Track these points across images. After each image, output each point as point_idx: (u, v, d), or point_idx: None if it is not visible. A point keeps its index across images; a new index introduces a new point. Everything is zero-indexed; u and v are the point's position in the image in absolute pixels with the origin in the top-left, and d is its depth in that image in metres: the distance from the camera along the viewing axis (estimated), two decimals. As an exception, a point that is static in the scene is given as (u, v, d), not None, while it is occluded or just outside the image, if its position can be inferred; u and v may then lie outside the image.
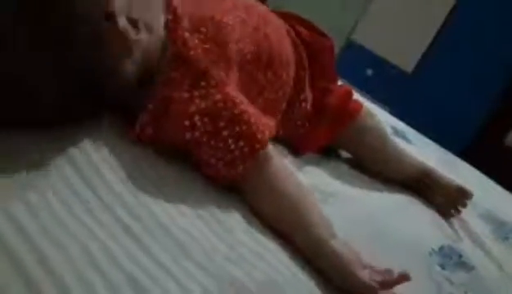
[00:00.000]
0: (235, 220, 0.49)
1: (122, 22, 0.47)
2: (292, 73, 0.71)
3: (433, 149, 1.25)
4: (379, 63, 2.73)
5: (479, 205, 0.94)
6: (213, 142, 0.51)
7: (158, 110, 0.51)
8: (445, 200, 0.84)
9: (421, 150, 1.09)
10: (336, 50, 0.82)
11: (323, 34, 0.79)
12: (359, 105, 0.80)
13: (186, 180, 0.51)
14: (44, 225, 0.36)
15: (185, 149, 0.53)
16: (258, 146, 0.51)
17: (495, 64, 2.41)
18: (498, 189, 1.18)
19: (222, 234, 0.46)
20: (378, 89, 2.62)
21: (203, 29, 0.55)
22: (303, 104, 0.74)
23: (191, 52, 0.52)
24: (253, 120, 0.52)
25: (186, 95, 0.51)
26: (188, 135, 0.50)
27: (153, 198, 0.46)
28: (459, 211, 0.85)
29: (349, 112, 0.78)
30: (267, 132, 0.53)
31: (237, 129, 0.51)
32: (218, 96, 0.51)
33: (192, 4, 0.58)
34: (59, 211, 0.38)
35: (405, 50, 2.65)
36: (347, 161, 0.84)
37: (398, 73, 2.69)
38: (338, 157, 0.84)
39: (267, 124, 0.54)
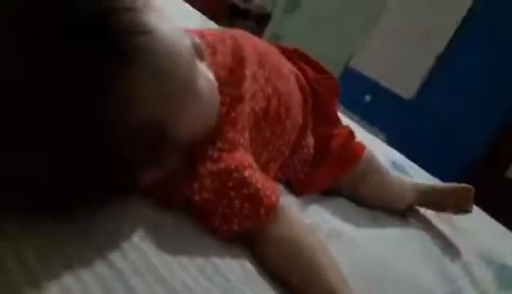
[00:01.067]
0: (233, 270, 0.47)
1: None
2: (298, 121, 0.70)
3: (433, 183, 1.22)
4: (378, 89, 2.73)
5: (481, 245, 0.92)
6: (218, 197, 0.49)
7: None
8: (451, 204, 0.89)
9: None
10: (335, 76, 0.81)
11: (328, 74, 0.79)
12: (361, 149, 0.80)
13: (184, 229, 0.49)
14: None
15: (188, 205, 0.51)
16: (262, 211, 0.50)
17: (496, 92, 2.39)
18: (500, 228, 1.16)
19: (219, 282, 0.45)
20: (376, 115, 2.61)
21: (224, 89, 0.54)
22: (305, 150, 0.73)
23: None
24: (260, 185, 0.51)
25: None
26: (197, 197, 0.49)
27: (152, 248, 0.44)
28: (468, 211, 0.89)
29: (351, 157, 0.78)
30: (273, 197, 0.51)
31: (245, 192, 0.50)
32: (230, 160, 0.50)
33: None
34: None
35: (404, 76, 2.66)
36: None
37: (397, 100, 2.68)
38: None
39: (272, 188, 0.53)
